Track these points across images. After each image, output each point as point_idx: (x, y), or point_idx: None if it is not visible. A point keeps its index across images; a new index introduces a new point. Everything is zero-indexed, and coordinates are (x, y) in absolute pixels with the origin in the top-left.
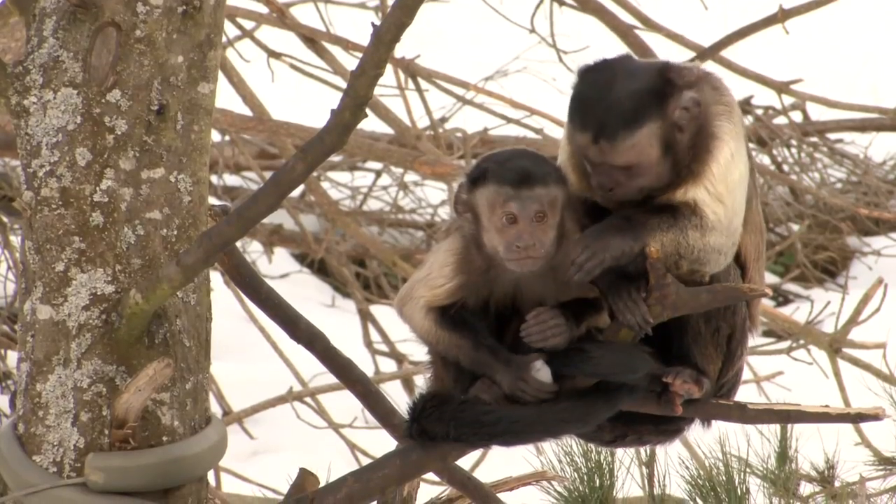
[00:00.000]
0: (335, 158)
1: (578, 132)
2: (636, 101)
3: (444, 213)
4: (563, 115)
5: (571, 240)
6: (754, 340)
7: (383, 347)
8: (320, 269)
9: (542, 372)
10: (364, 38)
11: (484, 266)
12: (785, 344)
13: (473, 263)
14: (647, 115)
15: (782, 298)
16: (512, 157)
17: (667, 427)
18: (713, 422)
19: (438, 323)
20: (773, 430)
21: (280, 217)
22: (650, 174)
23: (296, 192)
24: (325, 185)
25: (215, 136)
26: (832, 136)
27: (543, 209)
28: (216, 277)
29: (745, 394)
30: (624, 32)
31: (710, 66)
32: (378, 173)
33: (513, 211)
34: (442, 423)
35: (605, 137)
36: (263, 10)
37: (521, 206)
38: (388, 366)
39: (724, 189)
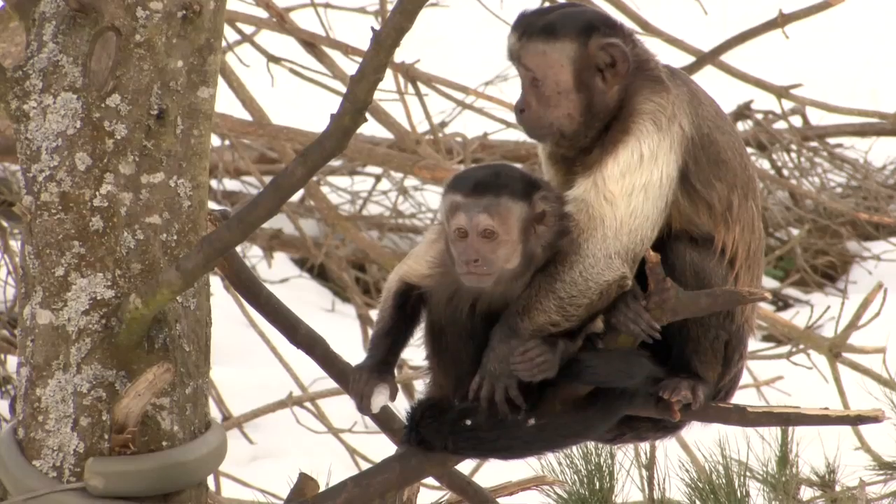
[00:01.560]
0: (335, 163)
1: (511, 33)
2: (564, 19)
3: None
4: None
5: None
6: (754, 344)
7: None
8: (320, 273)
9: (378, 399)
10: (364, 42)
11: (454, 272)
12: (785, 348)
13: (447, 263)
14: (566, 34)
15: (782, 303)
16: (477, 169)
17: (665, 424)
18: (713, 425)
19: (393, 292)
20: (773, 433)
21: (280, 222)
22: (559, 104)
23: (295, 197)
24: (324, 189)
25: (215, 140)
26: (832, 140)
27: (492, 226)
28: (216, 282)
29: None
30: None
31: (709, 70)
32: (378, 178)
33: (461, 223)
34: (440, 436)
35: (525, 36)
36: (263, 14)
37: (468, 216)
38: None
39: (617, 190)
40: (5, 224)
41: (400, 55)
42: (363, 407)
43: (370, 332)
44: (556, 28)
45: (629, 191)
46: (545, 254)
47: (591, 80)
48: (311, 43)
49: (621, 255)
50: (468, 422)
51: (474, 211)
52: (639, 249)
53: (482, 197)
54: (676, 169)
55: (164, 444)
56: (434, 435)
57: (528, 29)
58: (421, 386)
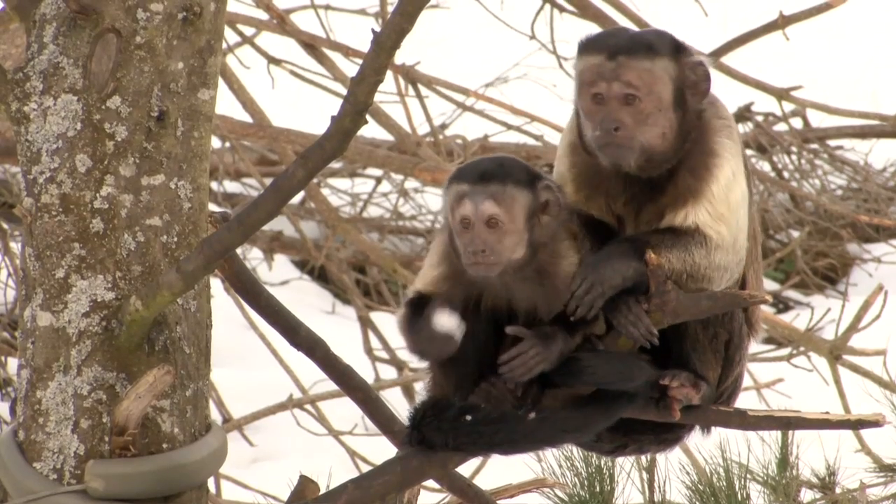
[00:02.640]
0: (335, 165)
1: (591, 55)
2: (655, 38)
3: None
4: (564, 122)
5: (559, 248)
6: (754, 346)
7: (383, 354)
8: (320, 275)
9: (442, 319)
10: (364, 44)
11: (460, 265)
12: (785, 351)
13: (452, 257)
14: (664, 52)
15: (782, 305)
16: (481, 160)
17: (667, 436)
18: (714, 428)
19: (407, 301)
20: (773, 436)
21: (280, 224)
22: (657, 121)
23: (296, 199)
24: (325, 191)
25: (215, 142)
26: (832, 142)
27: (497, 215)
28: (216, 284)
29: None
30: None
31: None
32: (378, 180)
33: (466, 213)
34: (441, 433)
35: (623, 53)
36: (264, 16)
37: (473, 206)
38: (388, 373)
39: (725, 209)
40: (6, 226)
41: (400, 57)
42: (430, 332)
43: (370, 334)
44: (655, 46)
45: (735, 210)
46: (553, 243)
47: (683, 99)
48: (311, 45)
49: (732, 269)
50: (468, 417)
51: (479, 199)
52: (742, 263)
53: (486, 186)
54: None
55: (164, 446)
56: (435, 432)
57: (624, 47)
58: (420, 389)
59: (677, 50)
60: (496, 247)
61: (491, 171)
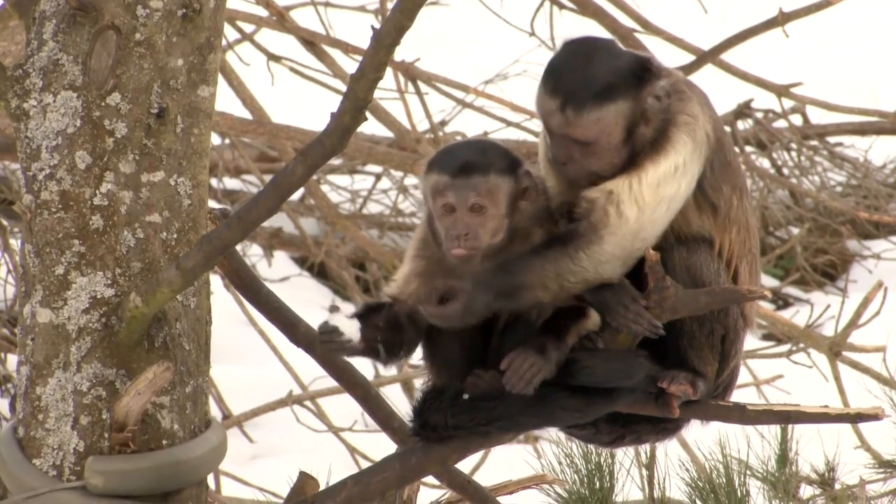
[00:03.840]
0: (335, 161)
1: (547, 97)
2: (612, 77)
3: None
4: None
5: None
6: (754, 343)
7: None
8: (320, 272)
9: (336, 318)
10: (364, 41)
11: (440, 253)
12: (785, 347)
13: (430, 249)
14: (620, 94)
15: (782, 302)
16: (460, 146)
17: (665, 425)
18: (713, 423)
19: (364, 304)
20: (773, 432)
21: (280, 220)
22: (606, 157)
23: (296, 196)
24: (324, 188)
25: (215, 139)
26: (832, 139)
27: (481, 201)
28: (216, 281)
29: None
30: (624, 36)
31: (709, 69)
32: (378, 176)
33: (449, 200)
34: (440, 413)
35: (572, 106)
36: (263, 13)
37: (457, 195)
38: (387, 369)
39: (648, 195)
40: (5, 223)
41: (400, 54)
42: (324, 330)
43: None
44: (608, 90)
45: (657, 201)
46: (528, 230)
47: (638, 125)
48: (311, 41)
49: (625, 258)
50: (465, 396)
51: (464, 186)
52: (639, 255)
53: (471, 173)
54: (696, 179)
55: (164, 442)
56: (435, 413)
57: (575, 97)
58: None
59: (635, 83)
60: (479, 231)
61: (473, 158)
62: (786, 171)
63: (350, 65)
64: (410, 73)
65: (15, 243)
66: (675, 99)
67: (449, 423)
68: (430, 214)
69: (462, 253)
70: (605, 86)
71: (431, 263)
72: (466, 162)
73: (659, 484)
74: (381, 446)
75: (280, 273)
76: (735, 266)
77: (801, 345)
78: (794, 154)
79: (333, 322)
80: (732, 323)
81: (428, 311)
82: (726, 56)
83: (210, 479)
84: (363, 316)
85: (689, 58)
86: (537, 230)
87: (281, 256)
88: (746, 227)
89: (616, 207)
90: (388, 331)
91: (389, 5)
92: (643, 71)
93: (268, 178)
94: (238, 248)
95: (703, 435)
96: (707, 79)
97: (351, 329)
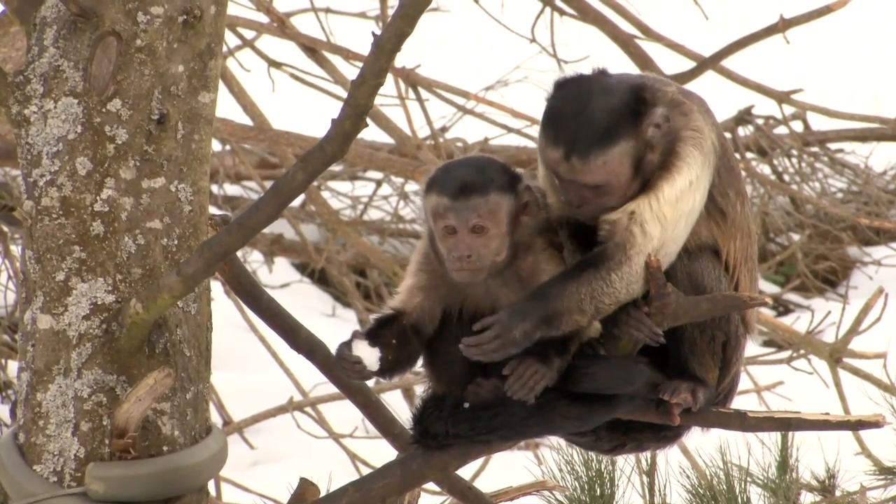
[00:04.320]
0: (336, 168)
1: (550, 147)
2: (610, 118)
3: None
4: None
5: (540, 256)
6: (755, 349)
7: None
8: (321, 278)
9: (359, 346)
10: (365, 47)
11: (442, 270)
12: (785, 354)
13: (432, 264)
14: (621, 134)
15: (783, 308)
16: (459, 165)
17: (666, 433)
18: (714, 430)
19: (376, 318)
20: (773, 439)
21: (281, 227)
22: (618, 192)
23: (296, 202)
24: (325, 194)
25: (216, 145)
26: (833, 145)
27: (482, 222)
28: (217, 287)
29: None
30: (624, 42)
31: (710, 75)
32: (379, 183)
33: (450, 222)
34: (441, 422)
35: (577, 154)
36: (264, 19)
37: (458, 217)
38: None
39: (669, 212)
40: (6, 229)
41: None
42: (344, 357)
43: None
44: (608, 133)
45: (678, 217)
46: (529, 242)
47: (644, 156)
48: (311, 48)
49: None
50: (466, 405)
51: (464, 208)
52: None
53: (471, 195)
54: (708, 190)
55: (164, 448)
56: (435, 422)
57: (578, 145)
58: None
59: (637, 117)
60: (481, 251)
61: (473, 178)
62: (786, 177)
63: (351, 71)
64: (411, 79)
65: (16, 249)
66: (676, 114)
67: (449, 432)
68: (431, 233)
69: (465, 275)
70: (605, 129)
71: (434, 278)
72: (466, 182)
73: (660, 491)
74: (381, 452)
75: (281, 279)
76: (736, 273)
77: (802, 351)
78: (794, 160)
79: (357, 352)
80: (734, 330)
81: (467, 343)
82: (727, 62)
83: (210, 485)
84: (375, 333)
85: (689, 64)
86: (538, 240)
87: (281, 263)
88: (748, 233)
89: (640, 227)
90: (398, 348)
91: (390, 12)
92: (639, 104)
93: (268, 184)
94: (239, 254)
95: (703, 441)
96: (707, 85)
97: (371, 359)
